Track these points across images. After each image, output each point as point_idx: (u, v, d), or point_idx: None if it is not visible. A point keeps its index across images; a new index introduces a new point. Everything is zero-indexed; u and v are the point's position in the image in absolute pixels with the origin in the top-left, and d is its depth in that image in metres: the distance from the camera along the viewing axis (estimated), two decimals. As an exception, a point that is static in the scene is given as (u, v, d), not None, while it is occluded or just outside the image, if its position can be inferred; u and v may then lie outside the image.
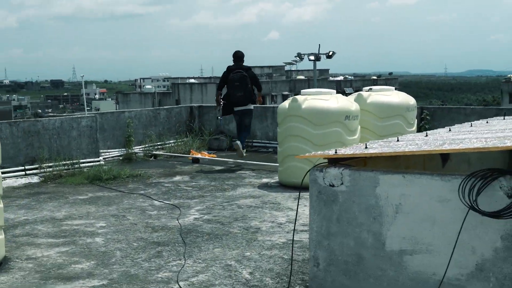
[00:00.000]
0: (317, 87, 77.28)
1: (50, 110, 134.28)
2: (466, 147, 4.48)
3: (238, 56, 13.41)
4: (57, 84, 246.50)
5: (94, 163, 13.24)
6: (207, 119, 17.13)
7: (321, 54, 33.53)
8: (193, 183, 11.65)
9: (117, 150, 15.10)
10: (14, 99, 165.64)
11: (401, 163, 5.95)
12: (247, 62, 13.55)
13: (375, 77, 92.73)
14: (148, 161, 14.80)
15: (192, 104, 18.49)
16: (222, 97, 13.40)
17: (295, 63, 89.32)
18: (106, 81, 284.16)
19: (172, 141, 16.26)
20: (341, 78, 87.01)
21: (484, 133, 5.77)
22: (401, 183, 4.70)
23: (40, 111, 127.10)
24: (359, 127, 11.35)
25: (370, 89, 12.61)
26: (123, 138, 15.23)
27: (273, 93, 76.38)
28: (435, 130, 6.94)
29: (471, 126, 7.14)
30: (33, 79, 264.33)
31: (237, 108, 13.33)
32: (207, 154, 15.19)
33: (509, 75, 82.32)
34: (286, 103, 11.32)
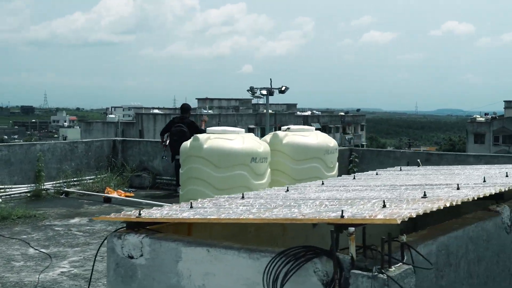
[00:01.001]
0: (282, 122, 76.41)
1: (16, 137, 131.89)
2: (269, 217, 3.51)
3: (183, 108, 14.44)
4: (27, 110, 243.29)
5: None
6: (131, 154, 16.07)
7: (274, 88, 32.78)
8: (88, 227, 10.57)
9: (25, 186, 13.94)
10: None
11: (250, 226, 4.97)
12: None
13: (342, 113, 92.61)
14: (58, 199, 13.67)
15: (115, 138, 17.42)
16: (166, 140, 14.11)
17: (262, 96, 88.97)
18: (78, 109, 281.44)
19: (91, 177, 15.13)
20: (308, 113, 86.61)
21: (340, 191, 4.81)
22: (205, 259, 3.70)
23: (6, 137, 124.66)
24: (268, 170, 10.39)
25: (288, 128, 11.70)
26: (33, 173, 14.07)
27: (238, 126, 75.64)
28: (306, 183, 5.98)
29: (354, 178, 6.19)
30: (3, 104, 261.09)
31: (178, 157, 13.07)
32: (123, 193, 14.09)
33: (475, 116, 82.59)
34: (187, 142, 10.34)
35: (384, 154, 13.53)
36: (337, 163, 11.84)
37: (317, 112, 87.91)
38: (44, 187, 14.10)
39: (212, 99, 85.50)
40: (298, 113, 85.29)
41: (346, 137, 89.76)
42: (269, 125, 76.78)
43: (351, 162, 13.59)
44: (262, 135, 79.48)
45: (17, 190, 13.76)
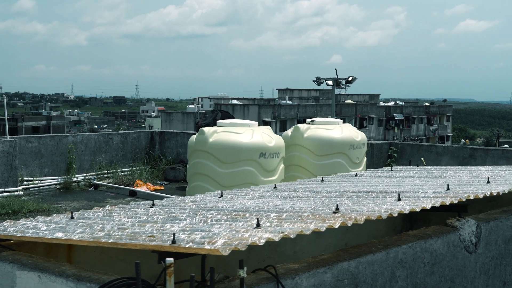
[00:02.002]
0: (363, 113, 75.14)
1: (105, 126, 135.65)
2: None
3: None
4: (119, 100, 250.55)
5: (10, 193, 11.87)
6: (168, 146, 15.62)
7: (340, 79, 31.55)
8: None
9: (56, 178, 13.74)
10: (75, 114, 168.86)
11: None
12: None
13: (427, 104, 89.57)
14: (86, 192, 13.38)
15: (153, 130, 17.02)
16: None
17: (344, 87, 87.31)
18: (168, 99, 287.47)
19: (125, 170, 14.79)
20: (391, 103, 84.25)
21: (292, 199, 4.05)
22: (37, 286, 3.04)
23: (96, 126, 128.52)
24: (281, 166, 9.62)
25: (312, 121, 10.85)
26: (65, 165, 13.87)
27: (317, 117, 74.23)
28: (256, 187, 5.21)
29: (322, 181, 5.36)
30: (97, 95, 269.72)
31: None
32: (152, 186, 13.66)
33: None
34: (194, 136, 9.71)
35: (425, 149, 12.43)
36: (365, 159, 10.91)
37: (400, 103, 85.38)
38: (75, 179, 13.86)
39: (292, 90, 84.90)
40: (381, 103, 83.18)
41: (431, 128, 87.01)
42: (348, 115, 75.49)
43: (390, 157, 12.56)
44: (342, 126, 77.95)
45: (46, 182, 13.58)
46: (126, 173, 14.63)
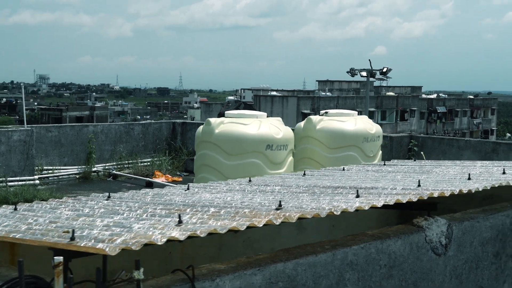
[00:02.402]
0: (405, 105, 74.07)
1: (148, 117, 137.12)
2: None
3: None
4: (163, 91, 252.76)
5: (27, 182, 11.95)
6: (190, 137, 15.53)
7: (375, 70, 31.01)
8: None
9: (75, 167, 13.80)
10: (119, 105, 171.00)
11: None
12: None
13: (471, 96, 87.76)
14: (104, 182, 13.40)
15: (175, 120, 16.95)
16: None
17: (385, 79, 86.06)
18: (211, 91, 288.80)
19: (146, 160, 14.78)
20: (433, 96, 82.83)
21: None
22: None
23: (139, 117, 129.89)
24: (290, 158, 9.41)
25: (326, 112, 10.60)
26: (85, 155, 13.92)
27: (358, 109, 73.40)
28: (263, 178, 5.04)
29: (304, 175, 5.14)
30: (142, 86, 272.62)
31: None
32: (170, 177, 13.61)
33: None
34: (201, 127, 9.58)
35: (446, 143, 12.03)
36: (380, 152, 10.62)
37: (443, 95, 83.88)
38: (95, 169, 13.89)
39: (332, 82, 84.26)
40: (423, 96, 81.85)
41: (474, 122, 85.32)
42: (388, 108, 74.47)
43: (410, 150, 12.22)
44: (383, 118, 77.16)
45: (66, 172, 13.64)
46: (146, 163, 14.60)
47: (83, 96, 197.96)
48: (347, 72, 30.66)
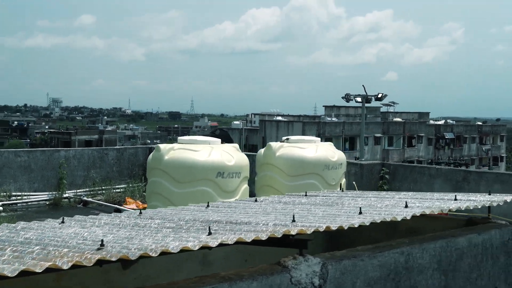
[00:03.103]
0: (412, 131, 73.62)
1: (158, 141, 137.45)
2: None
3: None
4: (174, 116, 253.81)
5: (-12, 209, 11.71)
6: (166, 163, 15.27)
7: (370, 95, 30.79)
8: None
9: (46, 193, 13.56)
10: (130, 129, 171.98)
11: None
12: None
13: (480, 123, 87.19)
14: (74, 209, 13.14)
15: (151, 146, 16.72)
16: None
17: (392, 104, 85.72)
18: (222, 115, 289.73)
19: (121, 186, 14.54)
20: (441, 122, 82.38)
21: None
22: None
23: (149, 141, 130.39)
24: (244, 187, 9.12)
25: (287, 139, 10.33)
26: (56, 180, 13.70)
27: (365, 135, 72.97)
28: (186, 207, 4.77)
29: (207, 206, 4.86)
30: (154, 110, 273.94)
31: None
32: (141, 204, 13.33)
33: None
34: (151, 154, 9.33)
35: (418, 171, 11.69)
36: (344, 180, 10.30)
37: (451, 121, 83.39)
38: (66, 195, 13.66)
39: (339, 107, 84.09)
40: (431, 122, 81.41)
41: (483, 148, 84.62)
42: (395, 134, 73.99)
43: (381, 178, 11.89)
44: (390, 144, 76.66)
45: (35, 198, 13.40)
46: (120, 190, 14.36)
47: (95, 120, 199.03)
48: (342, 97, 30.43)
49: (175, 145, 9.02)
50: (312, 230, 3.37)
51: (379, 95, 30.85)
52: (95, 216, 4.55)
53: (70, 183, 13.97)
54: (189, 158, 8.71)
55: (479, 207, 4.43)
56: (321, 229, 3.43)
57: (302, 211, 4.36)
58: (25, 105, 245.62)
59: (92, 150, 14.81)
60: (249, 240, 3.13)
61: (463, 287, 4.43)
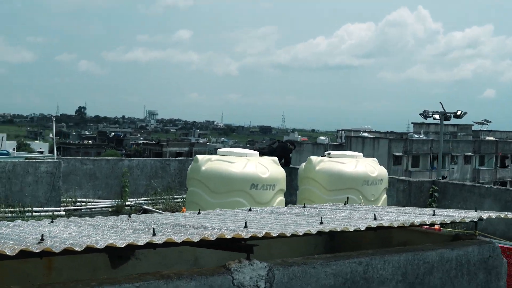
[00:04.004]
0: (505, 151, 71.03)
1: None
2: None
3: None
4: (265, 130, 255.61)
5: (52, 213, 12.47)
6: (226, 175, 15.66)
7: (448, 113, 30.03)
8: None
9: (109, 200, 14.25)
10: (221, 142, 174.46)
11: None
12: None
13: None
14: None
15: (212, 158, 17.14)
16: None
17: (485, 123, 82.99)
18: (313, 130, 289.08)
19: (181, 196, 15.04)
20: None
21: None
22: None
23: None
24: (279, 199, 9.35)
25: (329, 153, 10.46)
26: (119, 188, 14.38)
27: (453, 153, 71.05)
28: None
29: (198, 213, 5.15)
30: (245, 124, 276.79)
31: None
32: (197, 213, 13.75)
33: None
34: (191, 165, 9.72)
35: (468, 190, 11.50)
36: (385, 196, 10.32)
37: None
38: (128, 203, 14.28)
39: (428, 124, 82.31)
40: (522, 142, 78.10)
41: None
42: (487, 153, 71.56)
43: (431, 196, 11.78)
44: (481, 163, 74.12)
45: (99, 204, 14.09)
46: (179, 199, 14.85)
47: (187, 133, 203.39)
48: (420, 114, 29.88)
49: (213, 157, 9.34)
50: (249, 235, 3.58)
51: (458, 113, 30.11)
52: (90, 218, 4.91)
53: (132, 192, 14.58)
54: (224, 169, 9.01)
55: (448, 222, 4.48)
56: (260, 235, 3.63)
57: (270, 219, 4.56)
58: (123, 117, 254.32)
59: (154, 160, 15.40)
60: (195, 241, 3.38)
61: (434, 302, 4.47)
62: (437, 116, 28.59)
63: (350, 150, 70.96)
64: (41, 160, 12.93)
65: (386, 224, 4.21)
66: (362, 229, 4.10)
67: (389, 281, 4.26)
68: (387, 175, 10.34)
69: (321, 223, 4.20)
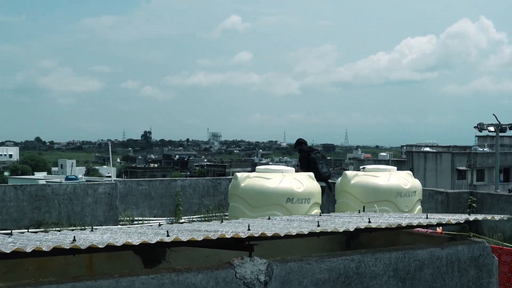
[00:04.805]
0: None
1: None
2: None
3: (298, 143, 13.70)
4: (329, 148, 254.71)
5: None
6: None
7: (504, 125, 29.77)
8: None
9: (164, 218, 15.12)
10: (284, 162, 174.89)
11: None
12: None
13: None
14: (186, 232, 14.55)
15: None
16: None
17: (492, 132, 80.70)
18: (377, 147, 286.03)
19: (233, 213, 15.78)
20: None
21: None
22: None
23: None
24: (315, 211, 9.95)
25: (363, 168, 11.02)
26: (174, 207, 15.24)
27: (516, 166, 69.59)
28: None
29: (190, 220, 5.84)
30: (308, 142, 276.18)
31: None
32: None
33: None
34: (231, 182, 10.43)
35: (505, 200, 11.81)
36: (419, 207, 10.78)
37: None
38: (182, 220, 15.10)
39: (493, 137, 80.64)
40: None
41: None
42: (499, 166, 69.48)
43: (469, 207, 12.13)
44: (545, 176, 71.43)
45: (155, 222, 14.96)
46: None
47: (251, 153, 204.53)
48: (475, 127, 29.79)
49: (251, 174, 10.03)
50: (247, 235, 4.24)
51: (514, 124, 29.86)
52: (126, 227, 5.66)
53: (186, 210, 15.41)
54: (261, 185, 9.68)
55: (434, 224, 5.02)
56: (256, 235, 4.29)
57: (279, 224, 5.20)
58: (187, 140, 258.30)
59: (206, 180, 16.21)
60: (199, 240, 4.07)
61: (425, 294, 5.00)
62: (492, 129, 28.46)
63: (412, 165, 70.23)
64: (99, 182, 13.92)
65: (374, 226, 4.79)
66: (351, 230, 4.69)
67: (380, 276, 4.82)
68: (421, 187, 10.79)
69: (318, 225, 4.82)
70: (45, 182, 14.30)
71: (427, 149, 70.54)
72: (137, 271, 4.09)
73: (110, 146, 17.02)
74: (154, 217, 15.13)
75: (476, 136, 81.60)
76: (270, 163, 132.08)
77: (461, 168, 66.30)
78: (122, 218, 14.15)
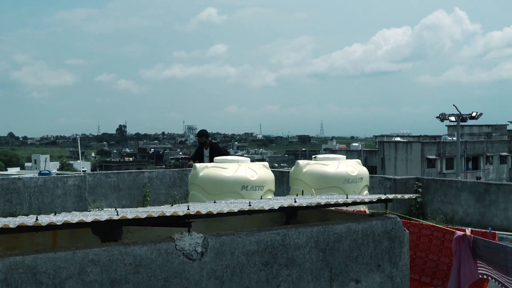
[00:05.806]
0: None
1: (285, 165, 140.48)
2: None
3: (203, 134, 13.83)
4: (304, 139, 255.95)
5: (81, 220, 14.08)
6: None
7: (464, 115, 30.92)
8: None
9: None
10: (259, 153, 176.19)
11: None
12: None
13: None
14: (154, 221, 15.27)
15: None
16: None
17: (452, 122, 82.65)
18: (352, 137, 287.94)
19: (199, 202, 16.54)
20: None
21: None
22: None
23: (276, 164, 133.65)
24: (269, 197, 10.75)
25: (315, 157, 11.86)
26: (141, 198, 15.96)
27: (488, 154, 71.39)
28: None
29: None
30: (284, 134, 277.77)
31: None
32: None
33: None
34: (191, 172, 11.21)
35: (447, 184, 12.74)
36: (367, 192, 11.65)
37: None
38: (150, 210, 15.84)
39: (463, 126, 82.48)
40: None
41: None
42: (460, 155, 71.19)
43: (416, 192, 13.06)
44: (515, 163, 73.05)
45: (123, 212, 15.69)
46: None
47: (226, 146, 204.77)
48: (437, 117, 30.89)
49: (209, 164, 10.82)
50: (185, 213, 5.03)
51: (473, 114, 31.03)
52: (84, 212, 6.41)
53: (153, 200, 16.14)
54: (218, 174, 10.47)
55: (350, 202, 5.86)
56: (192, 213, 5.08)
57: (221, 205, 6.00)
58: (163, 133, 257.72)
59: (172, 171, 16.95)
60: (142, 217, 4.84)
61: (344, 262, 5.83)
62: (453, 118, 29.57)
63: (383, 155, 71.34)
64: (69, 175, 14.60)
65: (295, 205, 5.61)
66: (275, 208, 5.50)
67: (303, 247, 5.64)
68: (368, 174, 11.65)
69: (249, 205, 5.63)
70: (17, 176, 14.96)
71: (398, 138, 71.86)
72: (91, 246, 4.86)
73: (79, 141, 17.66)
74: (123, 207, 15.82)
75: (446, 126, 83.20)
76: (245, 155, 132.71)
77: (430, 157, 67.74)
78: (91, 209, 14.83)
